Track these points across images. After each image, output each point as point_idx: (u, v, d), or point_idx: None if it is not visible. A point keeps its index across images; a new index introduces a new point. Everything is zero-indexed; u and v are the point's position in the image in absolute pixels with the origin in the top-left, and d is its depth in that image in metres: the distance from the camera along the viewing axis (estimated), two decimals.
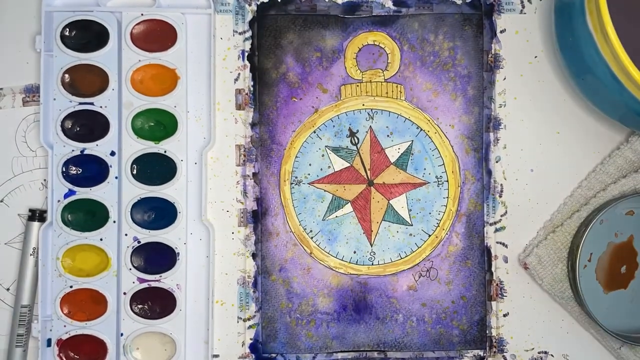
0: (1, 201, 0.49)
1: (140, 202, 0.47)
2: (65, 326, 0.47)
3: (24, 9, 0.49)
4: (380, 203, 0.49)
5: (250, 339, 0.48)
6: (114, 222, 0.47)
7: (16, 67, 0.49)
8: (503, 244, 0.49)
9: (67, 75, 0.47)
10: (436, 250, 0.49)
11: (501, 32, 0.49)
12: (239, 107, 0.49)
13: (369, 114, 0.49)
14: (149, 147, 0.47)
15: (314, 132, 0.49)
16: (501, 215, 0.49)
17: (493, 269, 0.49)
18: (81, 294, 0.47)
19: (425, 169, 0.49)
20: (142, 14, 0.47)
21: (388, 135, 0.49)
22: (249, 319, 0.48)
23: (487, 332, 0.49)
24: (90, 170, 0.47)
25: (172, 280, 0.47)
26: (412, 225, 0.49)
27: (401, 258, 0.49)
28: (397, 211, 0.49)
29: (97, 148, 0.47)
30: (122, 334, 0.47)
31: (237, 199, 0.49)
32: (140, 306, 0.47)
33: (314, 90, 0.49)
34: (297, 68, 0.49)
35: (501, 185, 0.49)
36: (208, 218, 0.49)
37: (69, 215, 0.47)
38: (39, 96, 0.48)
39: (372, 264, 0.49)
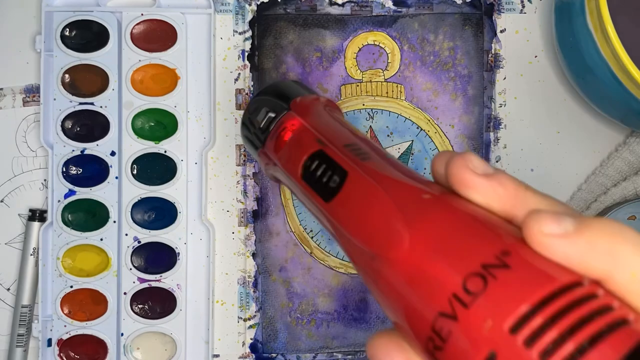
0: (1, 201, 0.49)
1: (141, 202, 0.47)
2: (65, 326, 0.47)
3: (24, 9, 0.49)
4: None
5: (251, 339, 0.48)
6: (114, 222, 0.47)
7: (16, 67, 0.49)
8: None
9: (67, 75, 0.47)
10: None
11: (501, 31, 0.49)
12: (239, 107, 0.49)
13: (369, 113, 0.49)
14: (149, 147, 0.47)
15: None
16: None
17: None
18: (81, 294, 0.47)
19: (425, 168, 0.49)
20: (142, 14, 0.47)
21: (388, 135, 0.49)
22: (249, 319, 0.49)
23: None
24: (90, 170, 0.47)
25: (173, 280, 0.47)
26: None
27: None
28: None
29: (98, 148, 0.47)
30: (122, 334, 0.47)
31: (238, 199, 0.49)
32: (140, 306, 0.47)
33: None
34: (297, 68, 0.49)
35: None
36: (208, 218, 0.49)
37: (69, 215, 0.47)
38: (39, 96, 0.47)
39: None
